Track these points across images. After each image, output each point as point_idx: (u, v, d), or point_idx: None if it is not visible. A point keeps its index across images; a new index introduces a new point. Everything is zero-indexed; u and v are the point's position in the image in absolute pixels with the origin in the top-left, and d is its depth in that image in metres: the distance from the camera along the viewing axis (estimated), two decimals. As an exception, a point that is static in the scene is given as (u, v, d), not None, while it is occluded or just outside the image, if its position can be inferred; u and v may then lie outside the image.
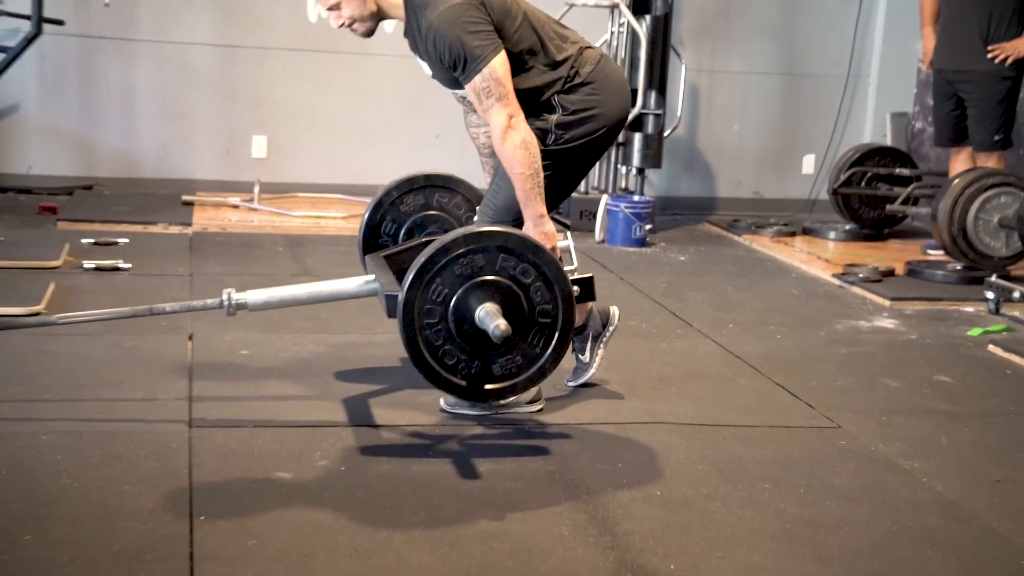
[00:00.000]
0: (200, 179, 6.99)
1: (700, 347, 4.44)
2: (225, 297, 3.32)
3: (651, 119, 6.76)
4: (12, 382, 3.53)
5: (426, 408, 3.50)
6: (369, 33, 3.39)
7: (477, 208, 3.57)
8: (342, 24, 3.34)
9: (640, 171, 6.88)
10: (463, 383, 3.06)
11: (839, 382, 4.07)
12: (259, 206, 6.49)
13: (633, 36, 6.69)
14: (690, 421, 3.56)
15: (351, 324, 4.46)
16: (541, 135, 3.36)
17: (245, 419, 3.36)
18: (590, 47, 3.50)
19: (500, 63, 3.22)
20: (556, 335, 3.09)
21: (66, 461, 2.97)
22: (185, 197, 6.62)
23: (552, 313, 3.07)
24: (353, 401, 3.58)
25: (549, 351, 3.09)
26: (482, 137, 3.64)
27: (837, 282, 5.67)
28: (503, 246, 3.01)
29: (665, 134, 6.89)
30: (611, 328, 3.70)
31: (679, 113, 7.04)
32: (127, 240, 5.46)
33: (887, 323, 4.99)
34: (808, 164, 7.82)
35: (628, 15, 6.57)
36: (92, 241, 5.32)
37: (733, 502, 2.97)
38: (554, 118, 3.38)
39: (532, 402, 3.51)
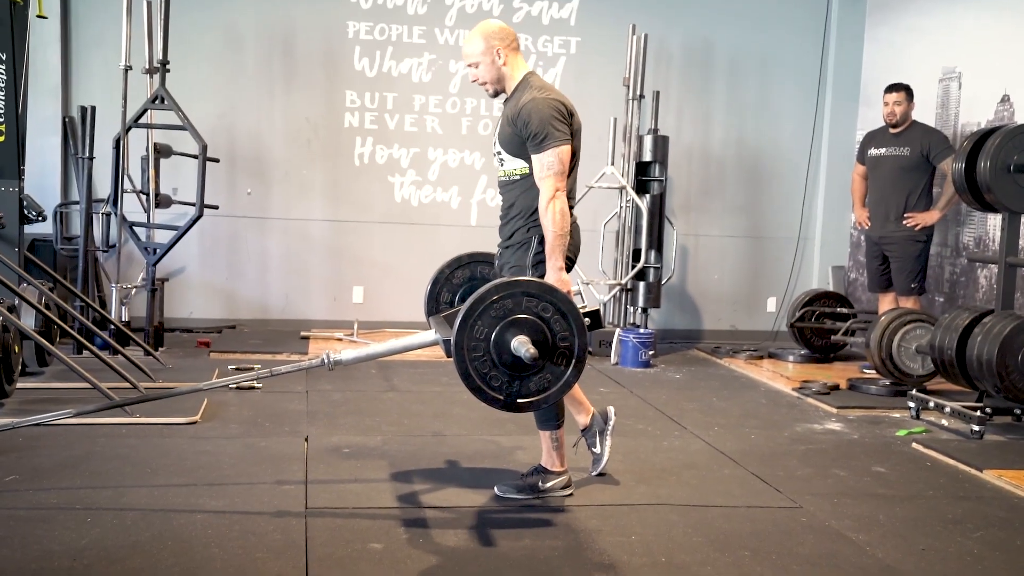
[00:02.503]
0: (314, 319, 7.07)
1: (692, 444, 4.40)
2: (325, 357, 3.33)
3: (652, 271, 6.82)
4: (176, 473, 3.57)
5: (476, 493, 3.48)
6: (495, 94, 3.40)
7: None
8: (475, 80, 3.37)
9: (644, 310, 6.91)
10: (508, 400, 3.00)
11: (800, 472, 4.03)
12: (358, 339, 6.56)
13: (637, 209, 6.80)
14: (686, 502, 3.53)
15: (426, 428, 4.48)
16: (524, 250, 3.34)
17: (347, 502, 3.36)
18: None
19: (567, 151, 3.25)
20: (575, 355, 3.04)
21: (215, 534, 2.99)
22: (303, 333, 6.71)
23: (570, 339, 3.03)
24: (426, 487, 3.56)
25: (571, 368, 3.04)
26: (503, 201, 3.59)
27: (796, 394, 5.62)
28: (527, 291, 2.99)
29: (663, 282, 6.94)
30: (611, 423, 3.70)
31: (673, 266, 7.09)
32: (260, 366, 5.53)
33: (835, 426, 4.93)
34: (771, 304, 7.82)
35: (633, 194, 6.69)
36: (235, 367, 5.39)
37: (721, 567, 2.93)
38: (536, 239, 3.35)
39: (565, 487, 3.50)
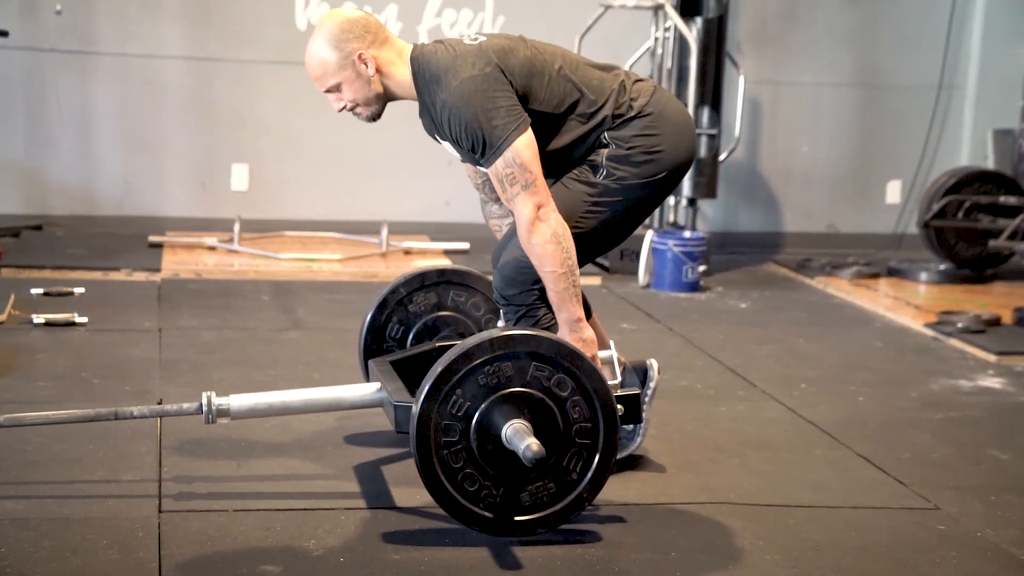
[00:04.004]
0: (170, 216, 7.03)
1: (766, 411, 4.41)
2: (205, 402, 3.38)
3: (704, 140, 6.77)
4: (-54, 459, 3.54)
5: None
6: (375, 117, 3.47)
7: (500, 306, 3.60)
8: (343, 108, 3.43)
9: (691, 202, 6.88)
10: (486, 513, 3.07)
11: (936, 454, 4.04)
12: (240, 247, 6.51)
13: (681, 43, 6.71)
14: (755, 501, 3.53)
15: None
16: (592, 170, 3.42)
17: (225, 501, 3.34)
18: (640, 80, 3.55)
19: (525, 145, 3.29)
20: (596, 458, 3.10)
21: (11, 555, 2.95)
22: (152, 238, 6.64)
23: (592, 433, 3.10)
24: (356, 476, 3.57)
25: (588, 477, 3.11)
26: (505, 229, 3.73)
27: (931, 333, 5.64)
28: (535, 352, 3.05)
29: (720, 158, 6.90)
30: (652, 385, 3.70)
31: (737, 133, 7.04)
32: (83, 290, 5.46)
33: (993, 382, 4.94)
34: (893, 192, 7.80)
35: (675, 18, 6.61)
36: (42, 291, 5.33)
37: (809, 598, 2.95)
38: (605, 152, 3.43)
39: None
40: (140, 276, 6.02)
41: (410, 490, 3.46)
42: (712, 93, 6.78)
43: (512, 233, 3.52)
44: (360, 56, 3.34)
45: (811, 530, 3.35)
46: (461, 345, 3.06)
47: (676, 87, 6.75)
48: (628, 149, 3.43)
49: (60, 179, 6.98)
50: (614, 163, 3.43)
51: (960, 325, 5.56)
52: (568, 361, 3.06)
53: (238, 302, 5.69)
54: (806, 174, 7.73)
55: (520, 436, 2.98)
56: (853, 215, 7.81)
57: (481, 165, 3.37)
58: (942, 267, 6.79)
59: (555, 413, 3.06)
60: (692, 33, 6.64)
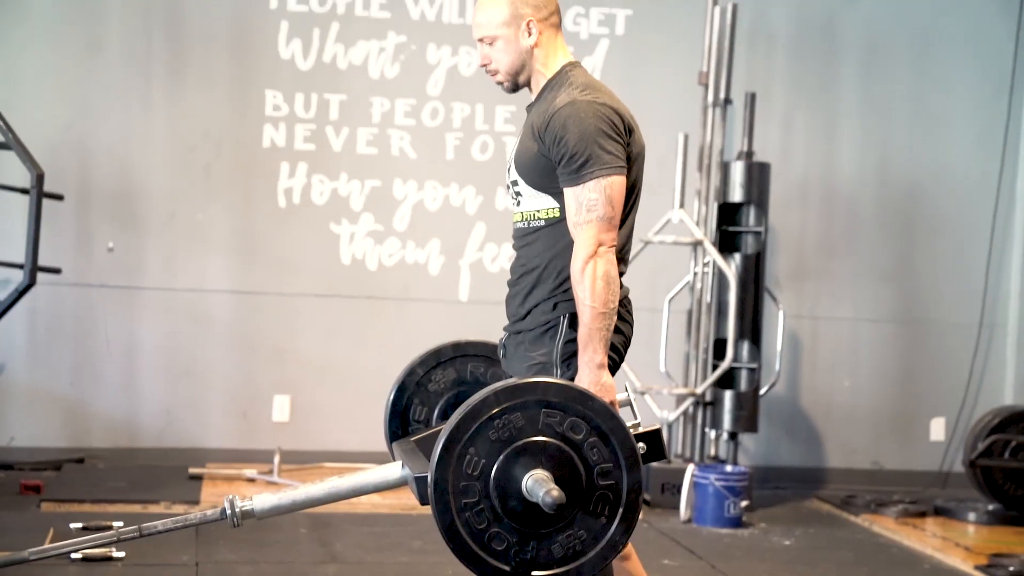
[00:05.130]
0: (211, 448, 7.04)
1: (814, 656, 4.31)
2: (227, 505, 3.32)
3: (744, 374, 6.76)
4: None
5: None
6: (513, 89, 3.46)
7: None
8: (485, 65, 3.43)
9: (732, 436, 6.84)
10: (518, 571, 2.96)
11: None
12: (279, 479, 6.49)
13: (720, 278, 6.78)
14: None
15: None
16: (550, 337, 3.34)
17: None
18: None
19: (620, 185, 3.25)
20: (623, 499, 3.00)
21: None
22: (192, 470, 6.65)
23: (614, 474, 3.00)
24: None
25: (617, 520, 3.00)
26: None
27: None
28: (543, 400, 2.97)
29: (761, 392, 6.88)
30: None
31: (777, 367, 7.04)
32: (122, 523, 5.44)
33: (1045, 626, 4.82)
34: (937, 429, 7.73)
35: (714, 253, 6.68)
36: (81, 526, 5.31)
37: None
38: (562, 340, 3.34)
39: None
40: (179, 509, 5.99)
41: None
42: (752, 327, 6.81)
43: None
44: (529, 23, 3.35)
45: None
46: (467, 403, 2.98)
47: (715, 321, 6.79)
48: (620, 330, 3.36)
49: (103, 411, 7.00)
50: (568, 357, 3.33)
51: (1012, 569, 5.44)
52: (578, 404, 2.98)
53: (275, 536, 5.64)
54: (848, 409, 7.68)
55: (540, 484, 2.89)
56: (897, 452, 7.72)
57: (562, 182, 3.27)
58: (991, 507, 6.68)
59: (573, 458, 2.96)
60: (731, 268, 6.70)
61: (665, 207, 6.81)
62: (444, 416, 3.76)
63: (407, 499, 6.27)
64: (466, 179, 7.29)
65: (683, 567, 5.47)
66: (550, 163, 3.28)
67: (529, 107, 3.45)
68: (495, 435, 2.96)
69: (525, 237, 3.41)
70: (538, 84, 3.42)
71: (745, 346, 6.79)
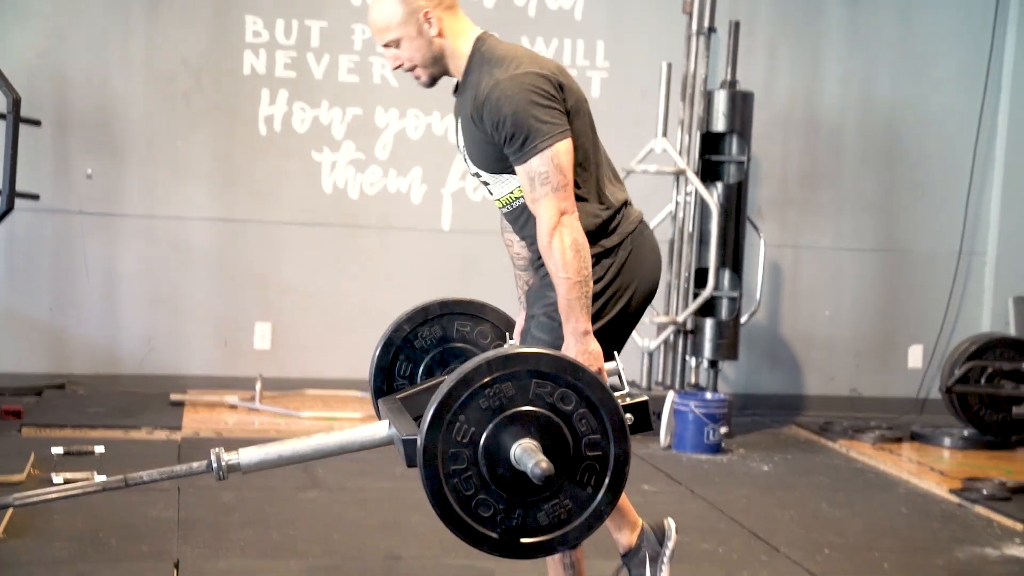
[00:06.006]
0: (192, 375, 7.06)
1: (790, 577, 4.35)
2: (213, 458, 3.34)
3: (725, 303, 6.79)
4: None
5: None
6: (432, 82, 3.43)
7: (507, 336, 3.57)
8: (399, 66, 3.40)
9: (713, 364, 6.88)
10: (504, 537, 3.00)
11: (963, 622, 3.98)
12: (261, 406, 6.52)
13: (702, 207, 6.79)
14: (780, 669, 3.48)
15: (368, 547, 4.42)
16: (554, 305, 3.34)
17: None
18: (631, 205, 3.51)
19: (566, 150, 3.25)
20: (609, 470, 3.03)
21: None
22: (174, 396, 6.66)
23: (602, 444, 3.03)
24: None
25: (603, 490, 3.04)
26: (516, 247, 3.65)
27: (956, 499, 5.58)
28: (535, 370, 2.99)
29: (742, 320, 6.91)
30: (670, 544, 3.65)
31: (758, 296, 7.07)
32: (103, 448, 5.45)
33: (1021, 552, 4.87)
34: (915, 356, 7.79)
35: (696, 183, 6.69)
36: (62, 451, 5.32)
37: None
38: None
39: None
40: (160, 435, 6.02)
41: None
42: (733, 256, 6.83)
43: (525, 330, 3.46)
44: (426, 15, 3.31)
45: None
46: (459, 370, 3.00)
47: (697, 250, 6.81)
48: (601, 290, 3.37)
49: (84, 338, 7.02)
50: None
51: (985, 492, 5.50)
52: (569, 375, 3.00)
53: (258, 462, 5.67)
54: (827, 338, 7.73)
55: (529, 454, 2.91)
56: (875, 379, 7.78)
57: (512, 162, 3.29)
58: (966, 433, 6.74)
59: (562, 428, 2.99)
60: (713, 198, 6.71)
61: (648, 136, 6.81)
62: (429, 373, 3.78)
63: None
64: (448, 107, 7.20)
65: (663, 492, 5.52)
66: (498, 147, 3.28)
67: (456, 91, 3.43)
68: (486, 403, 2.98)
69: (518, 219, 3.42)
70: (457, 68, 3.38)
71: (726, 275, 6.81)
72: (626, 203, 3.45)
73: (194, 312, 7.11)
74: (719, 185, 6.82)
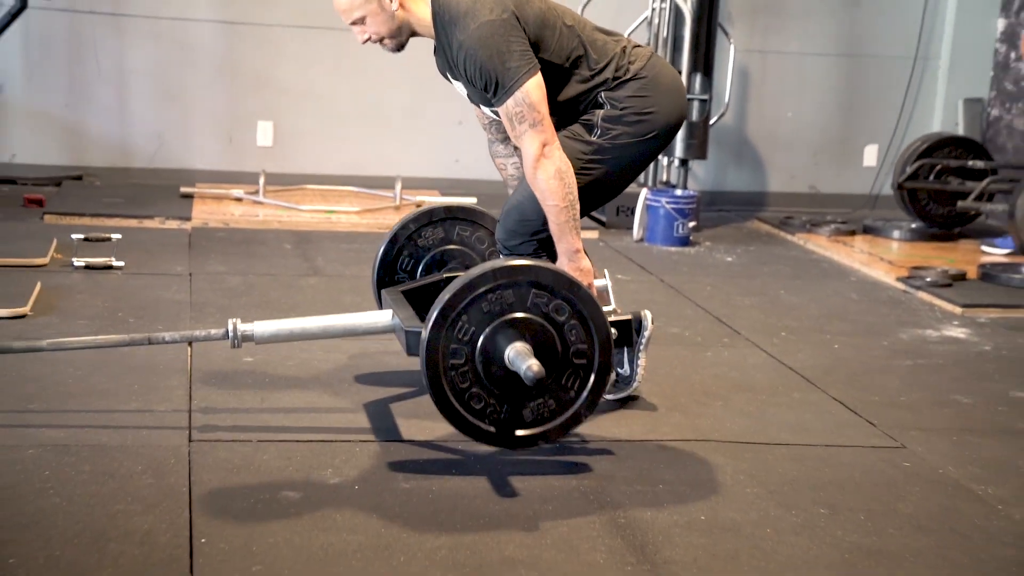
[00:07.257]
0: (200, 169, 7.03)
1: (749, 357, 4.43)
2: (231, 327, 3.40)
3: (696, 105, 6.75)
4: (-5, 390, 3.56)
5: (440, 422, 3.50)
6: (399, 48, 3.46)
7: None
8: (367, 40, 3.42)
9: (683, 163, 6.87)
10: (491, 429, 3.11)
11: (904, 397, 4.06)
12: (264, 199, 6.51)
13: (676, 13, 6.68)
14: (738, 439, 3.56)
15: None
16: (586, 129, 3.43)
17: (249, 432, 3.37)
18: (638, 46, 3.56)
19: (535, 86, 3.29)
20: (592, 377, 3.13)
21: (53, 478, 2.98)
22: (183, 189, 6.65)
23: (588, 354, 3.12)
24: (369, 412, 3.60)
25: (584, 395, 3.14)
26: (510, 168, 3.76)
27: (902, 286, 5.65)
28: (535, 281, 3.07)
29: (711, 122, 6.88)
30: (646, 333, 3.71)
31: (727, 98, 7.02)
32: (120, 236, 5.47)
33: (958, 332, 4.96)
34: (870, 155, 7.79)
35: (671, -10, 6.57)
36: (82, 237, 5.35)
37: (786, 529, 2.97)
38: (601, 113, 3.44)
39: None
40: (172, 224, 6.04)
41: (419, 424, 3.49)
42: (704, 61, 6.76)
43: (518, 184, 3.53)
44: None
45: (788, 466, 3.37)
46: (466, 275, 3.08)
47: (671, 55, 6.73)
48: (622, 110, 3.44)
49: (98, 132, 6.97)
50: (609, 123, 3.43)
51: (929, 279, 5.57)
52: (566, 289, 3.08)
53: (262, 250, 5.70)
54: (790, 138, 7.71)
55: (521, 357, 3.01)
56: (833, 177, 7.80)
57: (492, 105, 3.37)
58: (914, 226, 6.80)
59: (554, 336, 3.08)
60: (687, 4, 6.60)
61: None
62: (428, 269, 3.88)
63: (383, 219, 6.32)
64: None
65: (635, 280, 5.58)
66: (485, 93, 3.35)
67: (435, 51, 3.45)
68: (487, 307, 3.05)
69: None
70: (428, 31, 3.40)
71: (698, 78, 6.75)
72: (625, 48, 3.50)
73: (200, 110, 7.05)
74: (693, -8, 6.71)
